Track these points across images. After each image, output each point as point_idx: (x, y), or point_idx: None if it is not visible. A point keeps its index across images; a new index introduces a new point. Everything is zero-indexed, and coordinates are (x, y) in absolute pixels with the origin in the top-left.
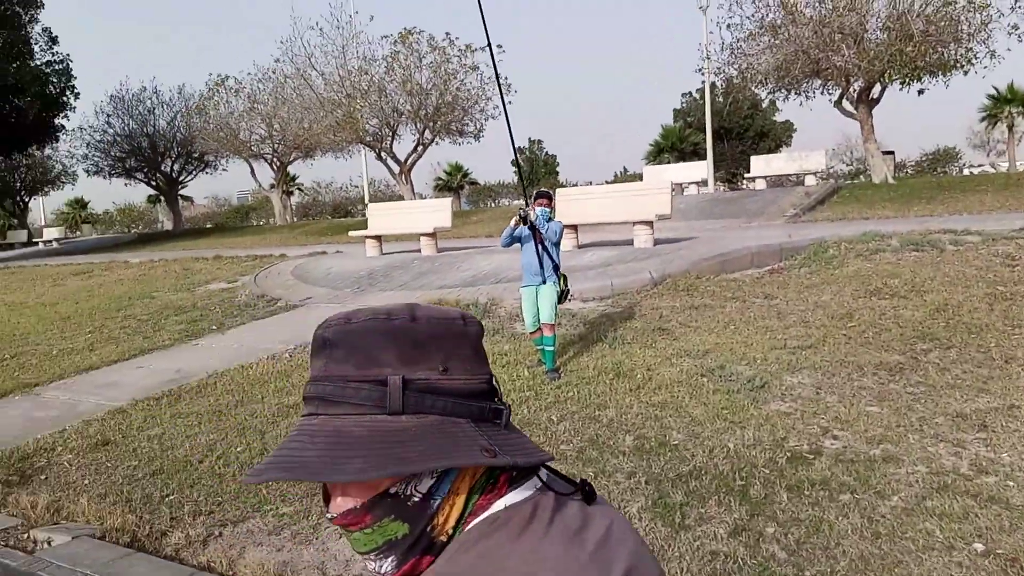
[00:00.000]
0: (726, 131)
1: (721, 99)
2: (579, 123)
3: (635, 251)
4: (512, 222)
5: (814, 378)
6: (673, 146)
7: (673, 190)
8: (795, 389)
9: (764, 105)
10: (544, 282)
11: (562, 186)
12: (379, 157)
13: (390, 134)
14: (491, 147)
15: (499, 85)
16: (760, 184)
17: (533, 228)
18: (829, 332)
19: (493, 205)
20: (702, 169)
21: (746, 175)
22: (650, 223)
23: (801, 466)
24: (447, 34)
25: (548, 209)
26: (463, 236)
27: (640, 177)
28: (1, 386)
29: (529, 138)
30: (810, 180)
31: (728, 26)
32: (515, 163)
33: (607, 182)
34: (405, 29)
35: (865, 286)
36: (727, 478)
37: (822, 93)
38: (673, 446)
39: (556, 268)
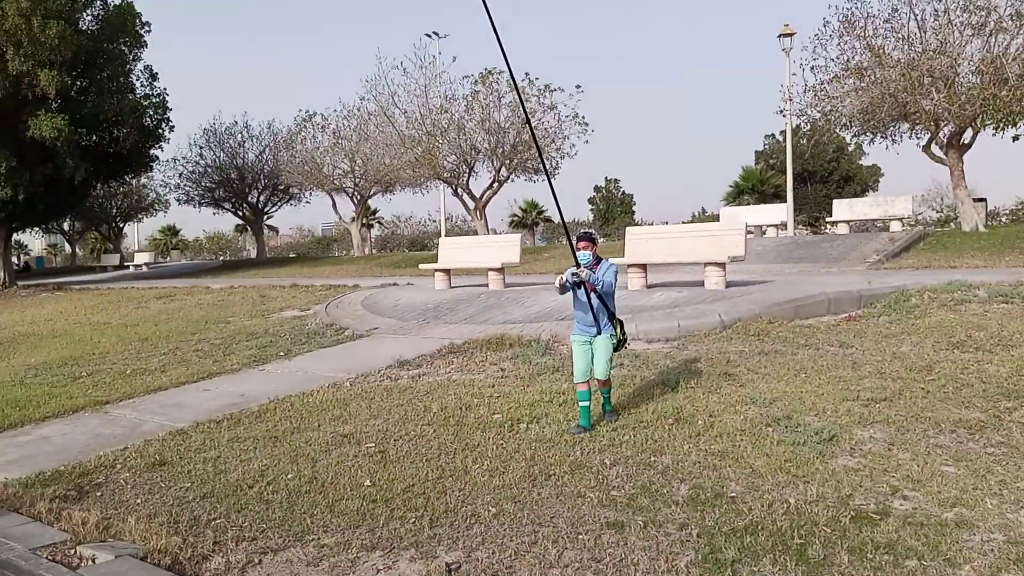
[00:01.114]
0: (809, 174)
1: (804, 141)
2: (657, 163)
3: (705, 293)
4: (557, 282)
5: (887, 433)
6: (753, 188)
7: (751, 232)
8: (865, 444)
9: (850, 148)
10: (599, 332)
11: (637, 224)
12: (456, 193)
13: (467, 171)
14: (567, 185)
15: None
16: (843, 229)
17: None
18: (906, 385)
19: (566, 242)
20: (782, 212)
21: (828, 219)
22: (722, 265)
23: (866, 527)
24: (526, 74)
25: (590, 253)
26: (533, 272)
27: (718, 218)
28: (74, 402)
29: (606, 176)
30: (895, 226)
31: (812, 68)
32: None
33: (684, 222)
34: (486, 69)
35: (948, 338)
36: (785, 535)
37: (910, 137)
38: (730, 498)
39: (612, 316)
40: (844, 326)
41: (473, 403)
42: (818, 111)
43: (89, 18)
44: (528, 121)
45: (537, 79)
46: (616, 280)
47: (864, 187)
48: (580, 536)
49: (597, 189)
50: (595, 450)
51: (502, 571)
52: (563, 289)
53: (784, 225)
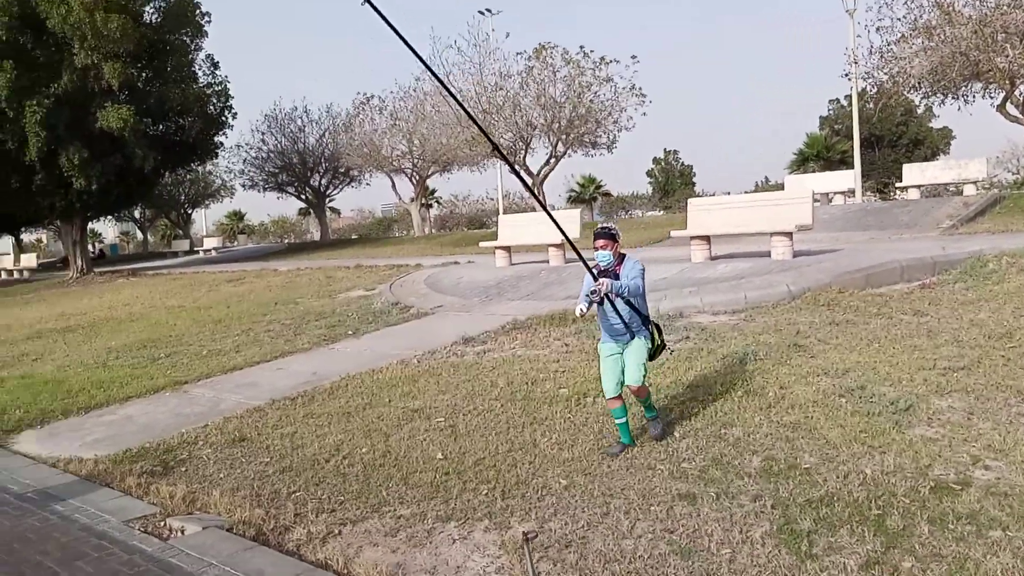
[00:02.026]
0: (877, 139)
1: (871, 105)
2: (717, 133)
3: (772, 263)
4: (577, 312)
5: (966, 402)
6: (819, 155)
7: (817, 200)
8: (944, 413)
9: (919, 111)
10: (632, 337)
11: (697, 196)
12: (513, 170)
13: (524, 147)
14: (625, 158)
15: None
16: (913, 194)
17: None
18: (985, 353)
19: (626, 216)
20: (849, 178)
21: (898, 185)
22: (789, 234)
23: (946, 497)
24: (581, 47)
25: (610, 252)
26: (592, 247)
27: (782, 187)
28: (155, 383)
29: (664, 148)
30: (969, 189)
31: (878, 29)
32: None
33: (747, 192)
34: (540, 44)
35: None
36: (862, 506)
37: (983, 97)
38: (804, 470)
39: (646, 320)
40: (918, 294)
41: (539, 378)
42: (885, 73)
43: (151, 10)
44: (494, 146)
45: (592, 51)
46: (644, 280)
47: (935, 150)
48: (652, 507)
49: (656, 161)
50: (665, 423)
51: (576, 541)
52: (586, 308)
53: (852, 192)
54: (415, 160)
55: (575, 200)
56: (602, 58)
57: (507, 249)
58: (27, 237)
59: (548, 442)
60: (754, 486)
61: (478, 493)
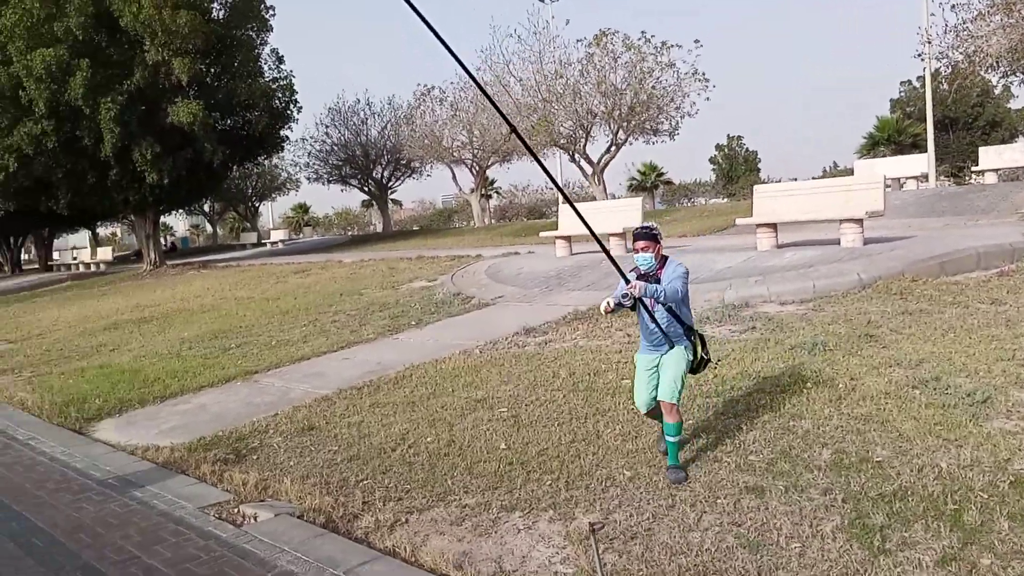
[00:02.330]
0: (951, 121)
1: (945, 86)
2: (783, 117)
3: (841, 251)
4: (603, 308)
5: None
6: (890, 138)
7: (888, 185)
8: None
9: (997, 91)
10: (671, 347)
11: (762, 183)
12: (572, 159)
13: (584, 136)
14: (687, 145)
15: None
16: (990, 178)
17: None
18: None
19: (688, 204)
20: (922, 163)
21: (974, 168)
22: (859, 221)
23: None
24: (642, 32)
25: (651, 255)
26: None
27: (851, 172)
28: (226, 372)
29: (728, 134)
30: None
31: (953, 7)
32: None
33: (814, 178)
34: (600, 31)
35: None
36: (937, 501)
37: None
38: (876, 463)
39: (689, 330)
40: (996, 282)
41: (601, 369)
42: (960, 52)
43: (217, 6)
44: (511, 126)
45: (653, 36)
46: (687, 286)
47: (1013, 132)
48: (719, 500)
49: (719, 148)
50: (730, 415)
51: (641, 533)
52: (616, 309)
53: (925, 176)
54: (475, 151)
55: (636, 188)
56: (663, 43)
57: (567, 239)
58: (102, 231)
59: (611, 433)
60: (824, 479)
61: (542, 483)
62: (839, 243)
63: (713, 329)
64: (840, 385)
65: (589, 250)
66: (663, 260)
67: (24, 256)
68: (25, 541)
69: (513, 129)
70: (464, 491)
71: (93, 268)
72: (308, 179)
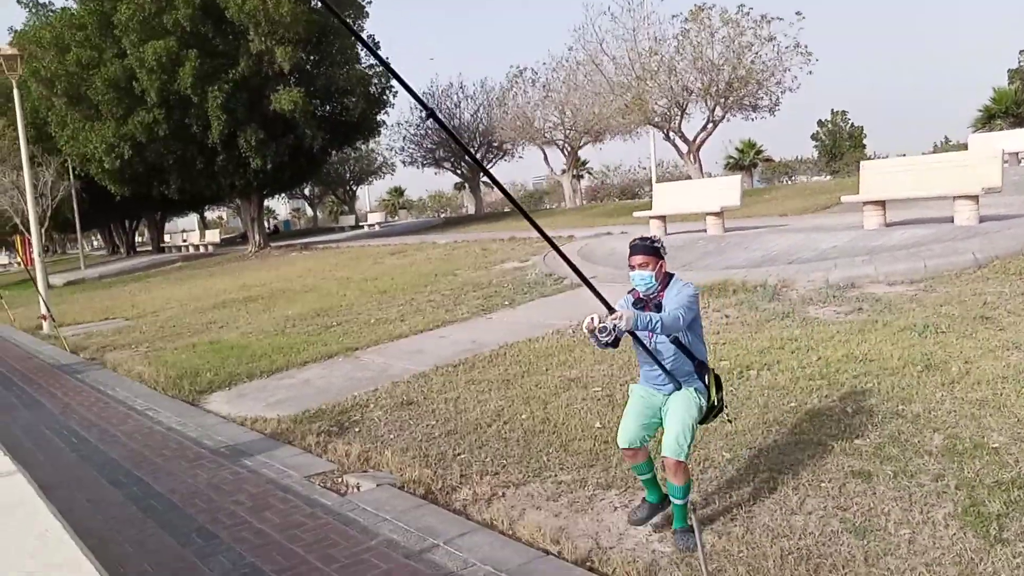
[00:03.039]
0: None
1: None
2: (890, 91)
3: (955, 229)
4: (586, 327)
5: None
6: (1007, 111)
7: (1006, 160)
8: None
9: None
10: (678, 387)
11: (868, 159)
12: (667, 137)
13: (679, 113)
14: (787, 121)
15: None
16: None
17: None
18: None
19: (788, 182)
20: None
21: None
22: (975, 198)
23: None
24: (740, 6)
25: (650, 273)
26: (753, 215)
27: (965, 147)
28: (328, 349)
29: (832, 109)
30: None
31: None
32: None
33: (924, 153)
34: (696, 6)
35: None
36: None
37: None
38: (992, 449)
39: (702, 367)
40: None
41: None
42: None
43: None
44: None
45: (752, 9)
46: (694, 311)
47: None
48: (823, 484)
49: (821, 124)
50: (835, 397)
51: (741, 515)
52: (603, 339)
53: None
54: (567, 131)
55: (733, 167)
56: (763, 16)
57: (662, 219)
58: (209, 214)
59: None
60: (935, 465)
61: None
62: (952, 221)
63: (817, 311)
64: (953, 369)
65: (684, 230)
66: (666, 280)
67: (137, 239)
68: (146, 504)
69: (431, 113)
70: (560, 468)
71: (202, 250)
72: (403, 163)
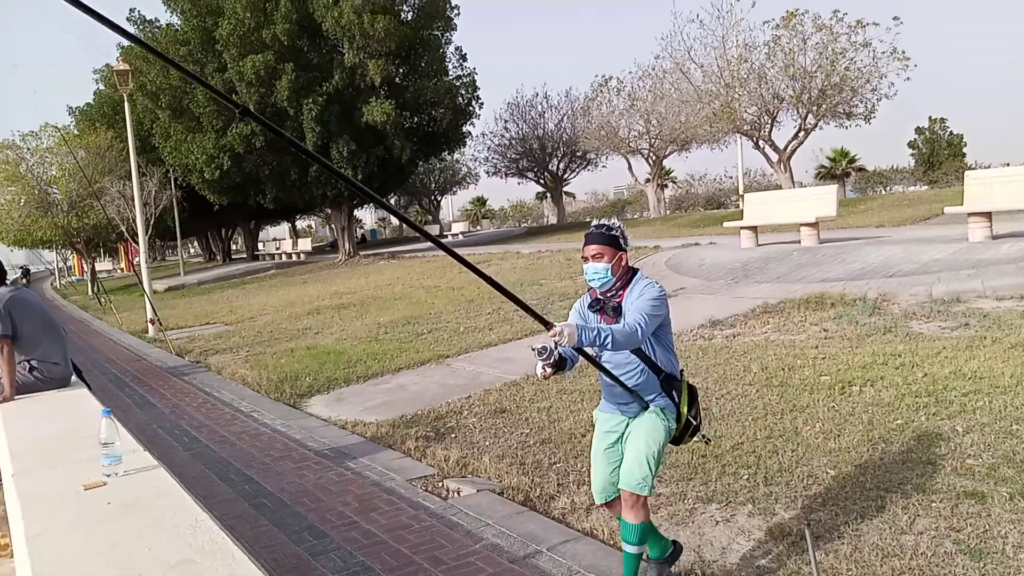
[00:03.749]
0: None
1: None
2: (992, 97)
3: None
4: (541, 370)
5: None
6: None
7: None
8: None
9: None
10: (645, 407)
11: (969, 168)
12: (756, 146)
13: (769, 121)
14: (882, 129)
15: None
16: None
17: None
18: None
19: (883, 192)
20: None
21: None
22: None
23: None
24: (835, 11)
25: (605, 266)
26: (848, 226)
27: None
28: (420, 356)
29: (930, 116)
30: None
31: None
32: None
33: None
34: (788, 12)
35: None
36: None
37: None
38: None
39: (670, 381)
40: None
41: (796, 364)
42: None
43: (407, 8)
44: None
45: (846, 15)
46: (660, 316)
47: None
48: (933, 504)
49: (919, 131)
50: (943, 416)
51: (848, 533)
52: (552, 364)
53: None
54: (652, 140)
55: (824, 176)
56: (858, 21)
57: (754, 229)
58: (300, 223)
59: (811, 431)
60: None
61: (738, 477)
62: None
63: (921, 326)
64: None
65: (777, 240)
66: (628, 276)
67: (232, 246)
68: (257, 503)
69: (245, 110)
70: (658, 480)
71: (294, 258)
72: (487, 173)
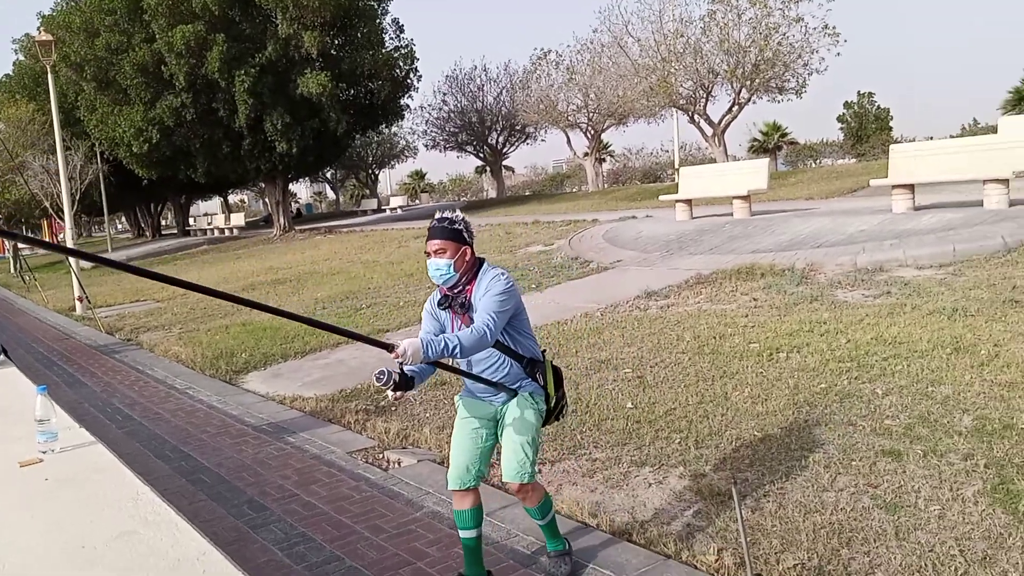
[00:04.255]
0: None
1: None
2: (917, 72)
3: (984, 213)
4: (393, 394)
5: None
6: None
7: None
8: None
9: None
10: (515, 394)
11: (895, 142)
12: (692, 120)
13: (704, 96)
14: (812, 104)
15: None
16: None
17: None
18: None
19: (813, 165)
20: None
21: None
22: (1005, 182)
23: None
24: None
25: (447, 262)
26: (779, 199)
27: (995, 130)
28: (361, 330)
29: (858, 91)
30: None
31: None
32: None
33: (952, 136)
34: None
35: None
36: None
37: None
38: (1021, 430)
39: (532, 363)
40: None
41: (727, 332)
42: None
43: None
44: None
45: None
46: (509, 307)
47: None
48: (853, 462)
49: (848, 106)
50: (864, 379)
51: (773, 491)
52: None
53: None
54: (590, 114)
55: (757, 149)
56: None
57: (688, 202)
58: (232, 198)
59: (740, 396)
60: (965, 445)
61: (671, 441)
62: (982, 205)
63: (846, 294)
64: (982, 351)
65: (711, 213)
66: (474, 268)
67: (162, 222)
68: (195, 478)
69: None
70: (594, 446)
71: (227, 233)
72: (426, 146)
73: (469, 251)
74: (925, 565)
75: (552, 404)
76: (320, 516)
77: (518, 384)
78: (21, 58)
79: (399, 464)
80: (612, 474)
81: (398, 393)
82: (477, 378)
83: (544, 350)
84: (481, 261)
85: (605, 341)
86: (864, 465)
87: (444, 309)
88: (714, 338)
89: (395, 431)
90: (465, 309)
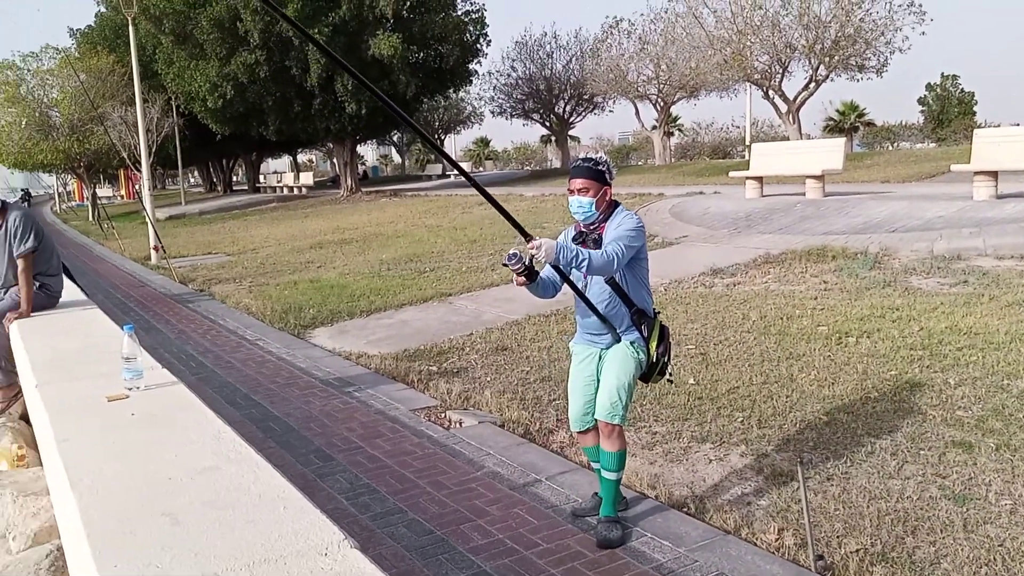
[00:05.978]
0: None
1: None
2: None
3: None
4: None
5: None
6: None
7: None
8: None
9: None
10: (618, 340)
11: (978, 127)
12: (766, 96)
13: (780, 71)
14: (892, 84)
15: None
16: None
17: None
18: None
19: (890, 147)
20: None
21: None
22: None
23: None
24: None
25: (590, 200)
26: (854, 180)
27: None
28: (423, 293)
29: (942, 72)
30: None
31: None
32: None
33: None
34: None
35: None
36: None
37: None
38: None
39: (641, 316)
40: None
41: (795, 314)
42: None
43: None
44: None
45: None
46: (636, 247)
47: None
48: (922, 452)
49: (930, 88)
50: (936, 368)
51: (838, 475)
52: (523, 273)
53: None
54: (661, 85)
55: (832, 129)
56: None
57: (759, 179)
58: (301, 157)
59: (807, 378)
60: None
61: (733, 419)
62: None
63: (920, 281)
64: None
65: (782, 192)
66: (610, 210)
67: (233, 178)
68: (265, 426)
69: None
70: (654, 419)
71: (296, 192)
72: (492, 113)
73: (609, 192)
74: (994, 559)
75: (651, 361)
76: (383, 469)
77: (622, 329)
78: (103, 9)
79: (460, 424)
80: (672, 448)
81: (521, 279)
82: (588, 303)
83: (657, 310)
84: (616, 203)
85: (668, 317)
86: (933, 455)
87: (578, 244)
88: (781, 319)
89: (457, 392)
90: (598, 245)
